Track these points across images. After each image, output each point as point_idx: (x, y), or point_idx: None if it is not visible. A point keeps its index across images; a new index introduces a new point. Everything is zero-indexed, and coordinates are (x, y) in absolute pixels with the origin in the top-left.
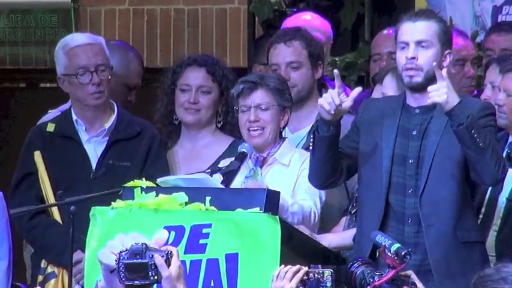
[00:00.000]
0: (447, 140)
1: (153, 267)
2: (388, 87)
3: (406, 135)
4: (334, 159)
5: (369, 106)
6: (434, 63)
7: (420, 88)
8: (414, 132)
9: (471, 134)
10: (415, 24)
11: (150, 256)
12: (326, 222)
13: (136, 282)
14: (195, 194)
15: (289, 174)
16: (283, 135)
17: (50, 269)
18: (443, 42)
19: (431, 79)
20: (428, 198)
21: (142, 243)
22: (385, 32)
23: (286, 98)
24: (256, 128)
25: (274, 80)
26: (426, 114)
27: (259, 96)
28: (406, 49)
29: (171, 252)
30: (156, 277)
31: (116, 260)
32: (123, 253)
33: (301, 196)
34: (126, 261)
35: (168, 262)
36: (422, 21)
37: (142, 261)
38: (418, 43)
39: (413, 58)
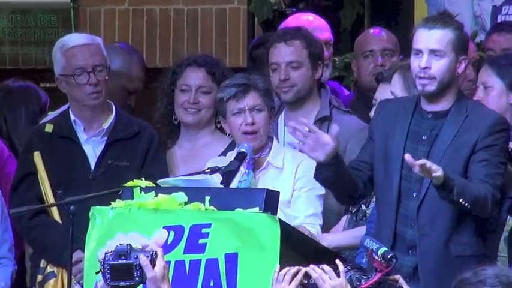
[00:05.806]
0: (453, 151)
1: (138, 268)
2: (395, 86)
3: (416, 139)
4: (346, 182)
5: (384, 107)
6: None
7: (434, 96)
8: (424, 137)
9: (459, 204)
10: (430, 33)
11: (135, 257)
12: (326, 222)
13: (121, 283)
14: (195, 193)
15: (285, 178)
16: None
17: (49, 269)
18: (458, 50)
19: (445, 87)
20: (427, 208)
21: (127, 244)
22: (371, 31)
23: (272, 98)
24: (251, 132)
25: (261, 81)
26: (438, 120)
27: (252, 99)
28: (420, 56)
29: (155, 252)
30: (141, 278)
31: (100, 261)
32: (108, 254)
33: (306, 219)
34: (111, 262)
35: (153, 262)
36: (437, 29)
37: (127, 262)
38: (432, 52)
39: (426, 68)
